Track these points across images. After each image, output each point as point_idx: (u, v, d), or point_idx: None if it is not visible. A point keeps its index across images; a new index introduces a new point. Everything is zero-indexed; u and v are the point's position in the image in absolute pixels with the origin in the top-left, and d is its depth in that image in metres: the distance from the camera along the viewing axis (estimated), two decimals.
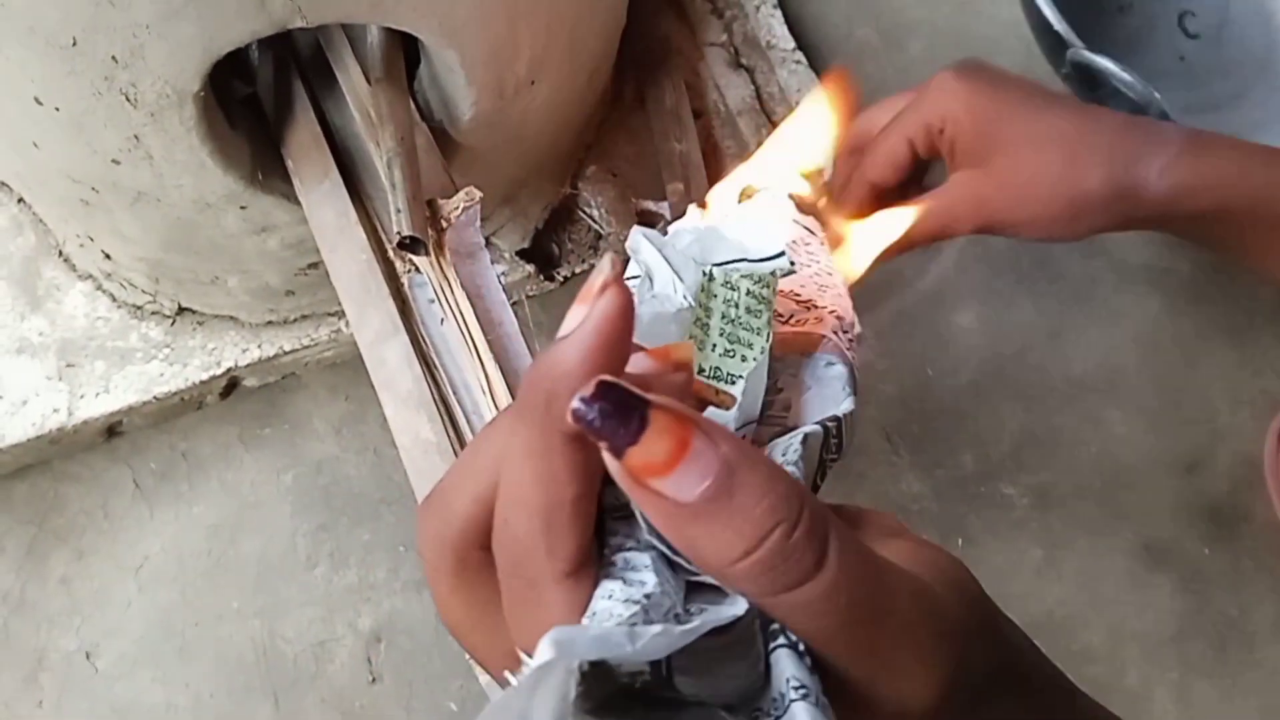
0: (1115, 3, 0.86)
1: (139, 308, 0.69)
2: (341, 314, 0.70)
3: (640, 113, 0.77)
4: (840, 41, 0.85)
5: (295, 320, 0.69)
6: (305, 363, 0.71)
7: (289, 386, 0.72)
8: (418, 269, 0.53)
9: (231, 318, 0.69)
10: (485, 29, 0.54)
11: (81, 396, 0.66)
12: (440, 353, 0.52)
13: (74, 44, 0.49)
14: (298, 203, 0.57)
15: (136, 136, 0.53)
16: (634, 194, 0.75)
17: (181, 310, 0.68)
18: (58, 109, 0.53)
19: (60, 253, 0.69)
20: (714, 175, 0.75)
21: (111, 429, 0.69)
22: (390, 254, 0.54)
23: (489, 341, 0.51)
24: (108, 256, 0.67)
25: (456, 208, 0.52)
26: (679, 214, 0.73)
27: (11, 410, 0.66)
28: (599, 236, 0.76)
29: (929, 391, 0.77)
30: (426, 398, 0.51)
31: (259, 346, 0.69)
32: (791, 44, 0.79)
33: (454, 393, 0.51)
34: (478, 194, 0.53)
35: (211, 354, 0.68)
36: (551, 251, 0.76)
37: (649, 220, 0.75)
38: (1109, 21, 0.85)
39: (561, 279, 0.75)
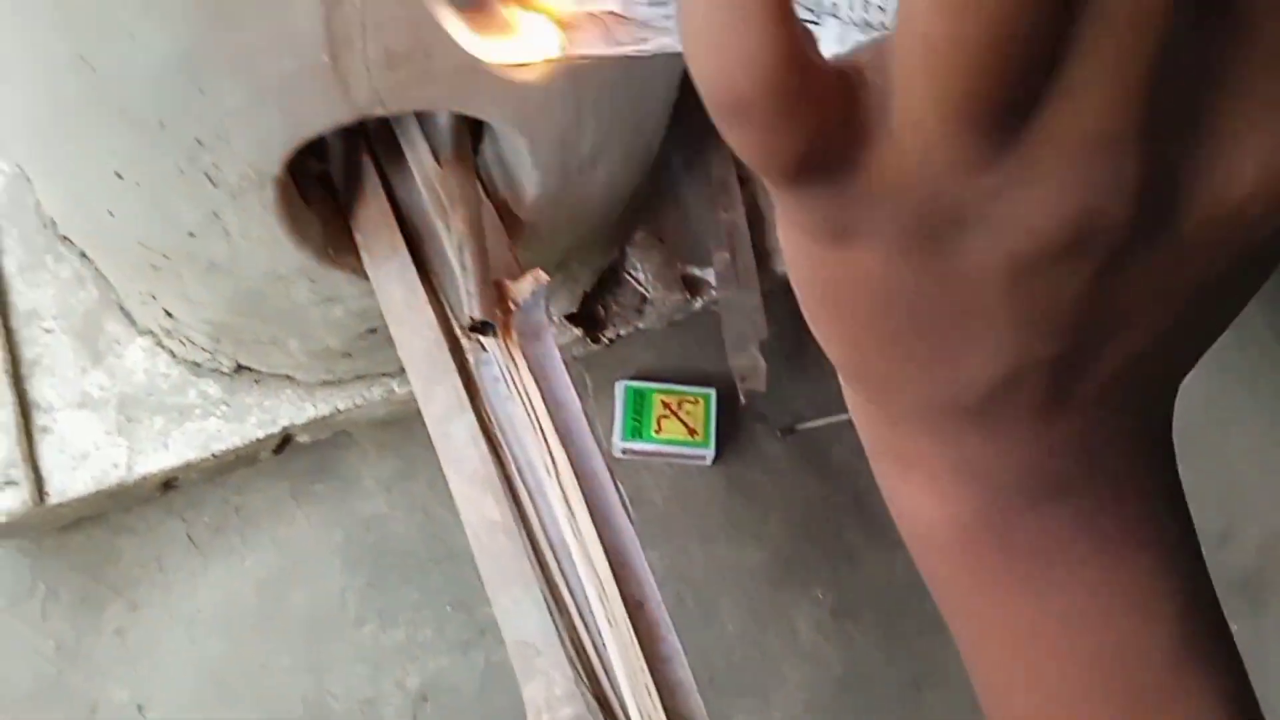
0: None
1: (198, 364, 0.70)
2: (394, 375, 0.71)
3: (687, 180, 0.78)
4: None
5: (350, 380, 0.71)
6: (357, 421, 0.72)
7: (340, 443, 0.73)
8: (484, 346, 0.55)
9: (288, 377, 0.70)
10: (554, 116, 0.56)
11: (140, 452, 0.68)
12: (505, 430, 0.54)
13: (161, 126, 0.51)
14: (366, 276, 0.58)
15: (215, 213, 0.55)
16: (680, 259, 0.77)
17: (239, 368, 0.70)
18: (138, 183, 0.55)
19: (121, 308, 0.71)
20: (759, 244, 0.77)
21: (167, 482, 0.70)
22: (457, 332, 0.56)
23: (555, 423, 0.52)
24: (170, 315, 0.68)
25: (525, 292, 0.54)
26: (725, 281, 0.75)
27: (73, 464, 0.67)
28: (644, 299, 0.77)
29: None
30: (492, 476, 0.52)
31: (314, 405, 0.70)
32: None
33: (519, 472, 0.52)
34: (545, 278, 0.54)
35: (268, 411, 0.70)
36: (597, 313, 0.77)
37: (694, 287, 0.77)
38: None
39: (607, 340, 0.77)
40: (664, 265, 0.77)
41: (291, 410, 0.70)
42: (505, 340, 0.54)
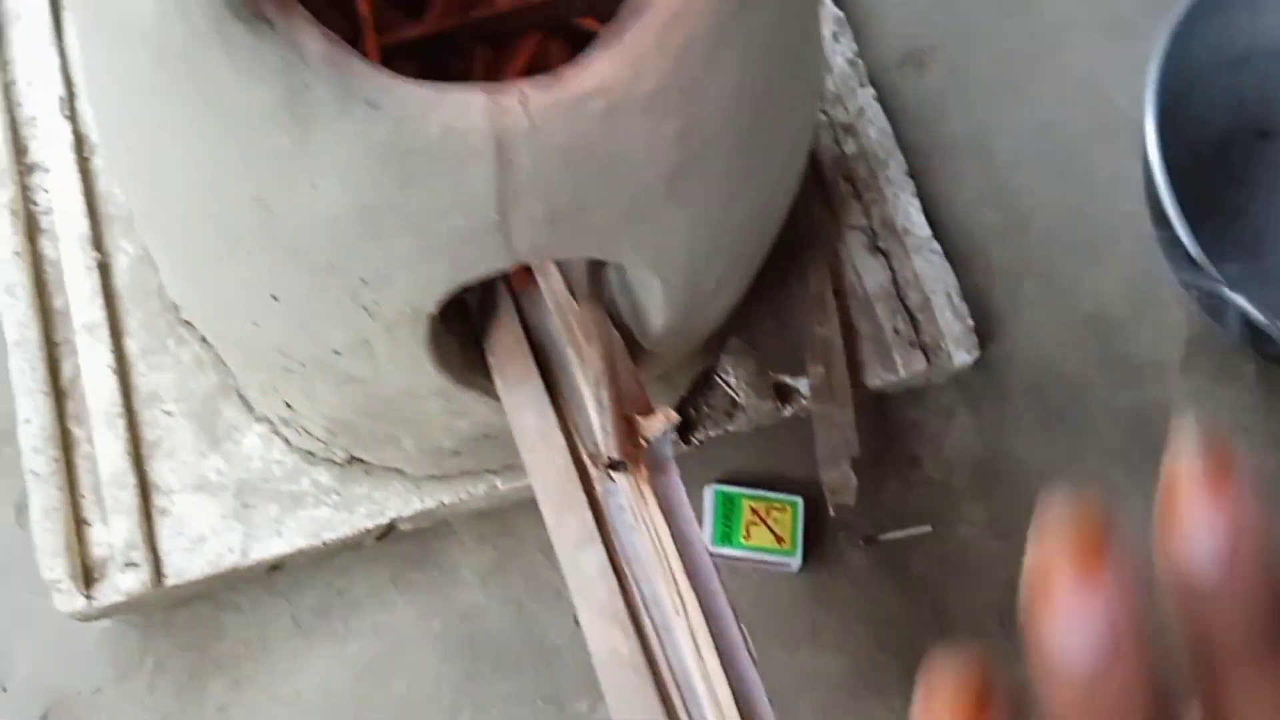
0: (1234, 202, 0.90)
1: (311, 453, 0.73)
2: (498, 472, 0.74)
3: (783, 290, 0.81)
4: (965, 221, 0.89)
5: (456, 475, 0.73)
6: (458, 511, 0.75)
7: (440, 532, 0.76)
8: (613, 478, 0.57)
9: (398, 470, 0.73)
10: (691, 261, 0.59)
11: (255, 538, 0.70)
12: (631, 563, 0.56)
13: (330, 266, 0.53)
14: (496, 397, 0.61)
15: (366, 339, 0.57)
16: (773, 368, 0.79)
17: (352, 459, 0.73)
18: (292, 307, 0.57)
19: (240, 395, 0.74)
20: (852, 358, 0.80)
21: (275, 564, 0.73)
22: (586, 460, 0.58)
23: (684, 562, 0.55)
24: (289, 407, 0.71)
25: (656, 430, 0.56)
26: (819, 395, 0.78)
27: (190, 547, 0.70)
28: (735, 404, 0.80)
29: None
30: (620, 609, 0.54)
31: (420, 499, 0.73)
32: (927, 231, 0.83)
33: (645, 607, 0.55)
34: (675, 416, 0.57)
35: (376, 503, 0.72)
36: (689, 415, 0.80)
37: (785, 395, 0.80)
38: (1228, 222, 0.89)
39: (697, 442, 0.79)
40: (757, 373, 0.79)
41: (399, 502, 0.73)
42: (636, 477, 0.57)
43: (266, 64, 0.46)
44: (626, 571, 0.56)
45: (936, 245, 0.83)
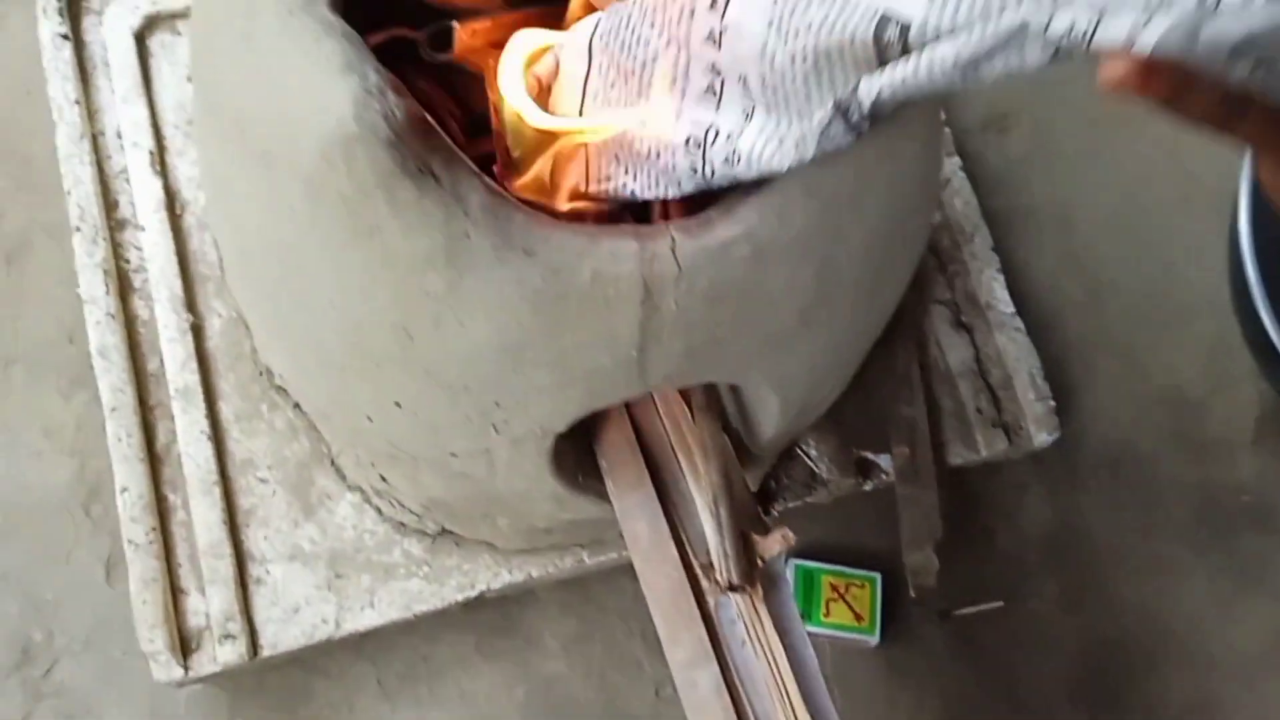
0: None
1: (404, 524, 0.73)
2: (586, 546, 0.75)
3: (869, 367, 0.81)
4: (1044, 292, 0.89)
5: (545, 549, 0.74)
6: (543, 581, 0.76)
7: (525, 600, 0.77)
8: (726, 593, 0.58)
9: (488, 543, 0.73)
10: (811, 377, 0.59)
11: (348, 609, 0.71)
12: (744, 682, 0.57)
13: (465, 389, 0.54)
14: (608, 500, 0.62)
15: (488, 449, 0.58)
16: (855, 444, 0.80)
17: (444, 531, 0.73)
18: (416, 415, 0.58)
19: (334, 463, 0.74)
20: (936, 439, 0.80)
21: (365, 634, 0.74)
22: (698, 572, 0.59)
23: (798, 684, 0.56)
24: (385, 480, 0.72)
25: (773, 550, 0.57)
26: (904, 477, 0.78)
27: (285, 617, 0.71)
28: (815, 476, 0.80)
29: (1106, 652, 0.82)
30: None
31: (510, 572, 0.73)
32: (1011, 308, 0.84)
33: None
34: (792, 537, 0.58)
35: (467, 575, 0.73)
36: (768, 486, 0.80)
37: (866, 470, 0.80)
38: None
39: (776, 513, 0.80)
40: (839, 448, 0.80)
41: (488, 575, 0.73)
42: (751, 596, 0.57)
43: (428, 215, 0.46)
44: (740, 690, 0.57)
45: (1020, 322, 0.83)
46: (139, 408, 0.73)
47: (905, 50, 0.39)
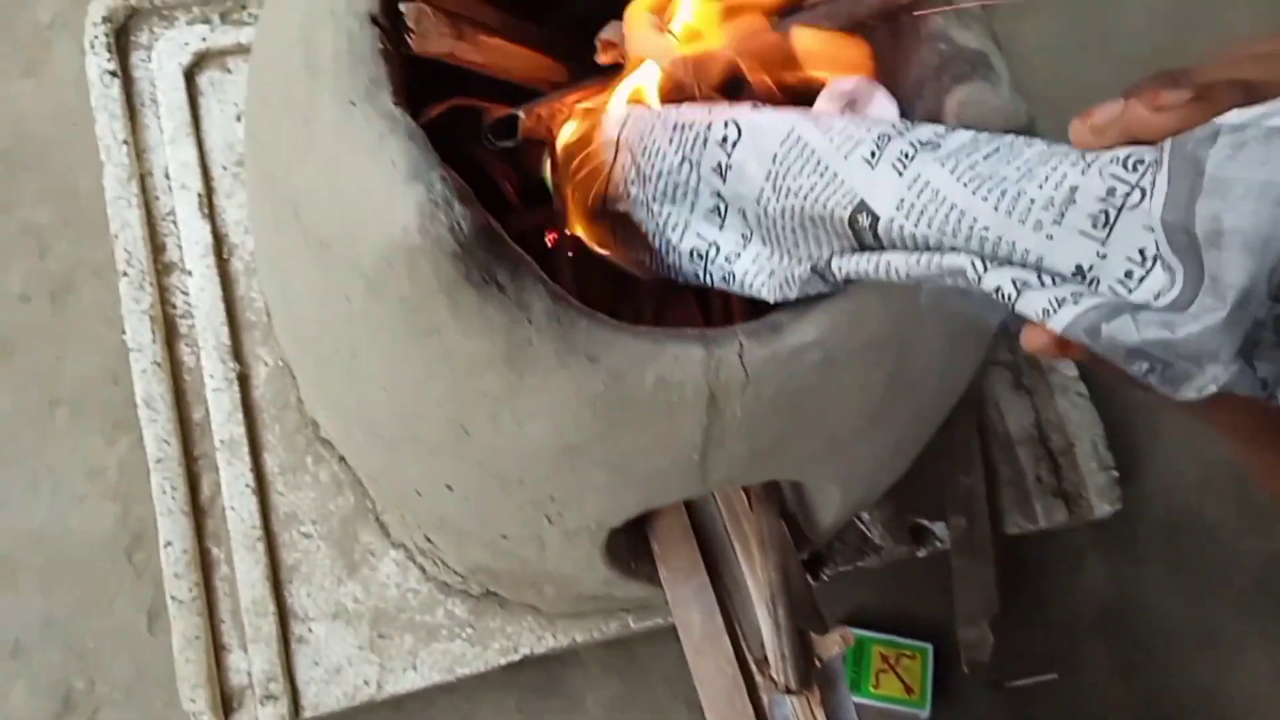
0: None
1: (447, 584, 0.72)
2: (631, 610, 0.73)
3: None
4: None
5: (591, 614, 0.73)
6: (586, 643, 0.75)
7: (567, 660, 0.76)
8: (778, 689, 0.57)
9: (533, 606, 0.72)
10: (874, 471, 0.57)
11: (390, 671, 0.70)
12: None
13: (520, 483, 0.52)
14: (659, 584, 0.60)
15: (540, 537, 0.56)
16: (910, 511, 0.78)
17: (488, 593, 0.72)
18: (468, 499, 0.56)
19: (377, 518, 0.73)
20: (993, 508, 0.78)
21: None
22: (752, 666, 0.57)
23: None
24: (430, 541, 0.70)
25: (832, 650, 0.55)
26: (960, 548, 0.76)
27: (326, 678, 0.70)
28: (867, 540, 0.78)
29: None
30: None
31: (554, 636, 0.72)
32: (1074, 371, 0.81)
33: None
34: (851, 637, 0.56)
35: (510, 638, 0.72)
36: (820, 551, 0.79)
37: (920, 537, 0.78)
38: None
39: (826, 577, 0.78)
40: (894, 514, 0.78)
41: (532, 639, 0.72)
42: (808, 697, 0.56)
43: (490, 321, 0.44)
44: None
45: (1082, 386, 0.81)
46: (184, 458, 0.72)
47: (875, 237, 0.41)
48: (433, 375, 0.48)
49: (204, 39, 0.78)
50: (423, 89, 0.51)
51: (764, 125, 0.46)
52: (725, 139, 0.47)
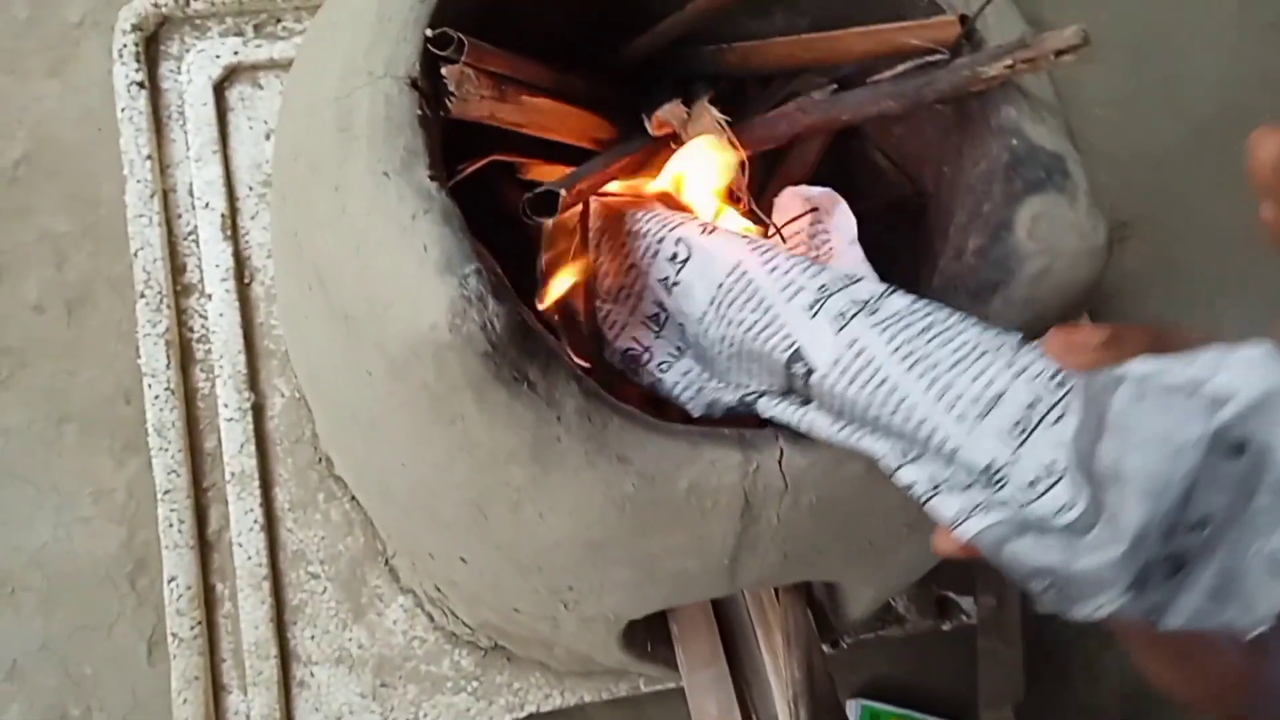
0: None
1: (455, 635, 0.70)
2: (642, 674, 0.71)
3: None
4: None
5: (600, 673, 0.70)
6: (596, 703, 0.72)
7: (574, 715, 0.73)
8: None
9: (541, 663, 0.70)
10: (907, 568, 0.55)
11: None
12: None
13: (539, 570, 0.50)
14: (675, 668, 0.58)
15: (554, 618, 0.54)
16: (938, 582, 0.75)
17: (496, 646, 0.70)
18: (482, 574, 0.54)
19: (387, 561, 0.71)
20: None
21: None
22: None
23: None
24: (440, 591, 0.68)
25: None
26: (987, 629, 0.74)
27: None
28: (889, 609, 0.76)
29: None
30: None
31: (561, 694, 0.70)
32: None
33: None
34: None
35: (517, 694, 0.70)
36: None
37: (946, 609, 0.76)
38: None
39: (845, 645, 0.76)
40: (921, 586, 0.75)
41: (539, 695, 0.70)
42: None
43: (519, 418, 0.42)
44: None
45: None
46: (192, 490, 0.70)
47: (806, 385, 0.42)
48: (453, 460, 0.45)
49: (236, 52, 0.76)
50: (458, 133, 0.48)
51: (713, 252, 0.46)
52: (675, 256, 0.48)
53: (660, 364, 0.50)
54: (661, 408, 0.48)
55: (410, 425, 0.45)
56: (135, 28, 0.75)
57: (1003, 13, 0.47)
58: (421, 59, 0.45)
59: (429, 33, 0.45)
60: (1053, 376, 0.36)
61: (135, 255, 0.72)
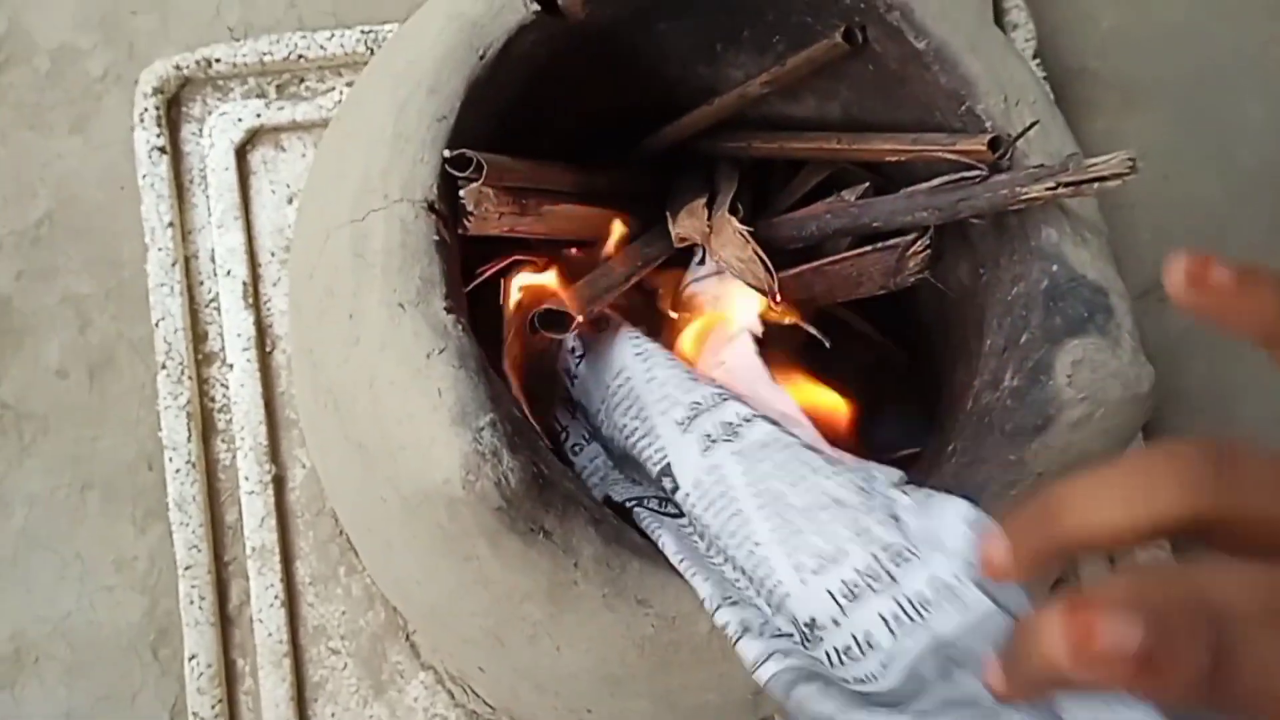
0: None
1: (476, 713, 0.69)
2: None
3: None
4: None
5: None
6: None
7: None
8: None
9: None
10: None
11: None
12: None
13: (555, 694, 0.49)
14: None
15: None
16: None
17: None
18: (499, 681, 0.53)
19: (408, 637, 0.70)
20: None
21: None
22: None
23: None
24: (459, 671, 0.67)
25: None
26: None
27: None
28: None
29: None
30: None
31: None
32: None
33: None
34: None
35: None
36: None
37: None
38: None
39: None
40: None
41: None
42: None
43: (534, 563, 0.40)
44: None
45: (1165, 543, 0.75)
46: (213, 564, 0.69)
47: (675, 500, 0.43)
48: (468, 592, 0.44)
49: (258, 114, 0.75)
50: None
51: (600, 352, 0.48)
52: (574, 350, 0.49)
53: (574, 445, 0.51)
54: None
55: (425, 555, 0.44)
56: (156, 90, 0.74)
57: (1048, 128, 0.45)
58: (439, 180, 0.44)
59: (447, 153, 0.44)
60: (884, 549, 0.37)
61: (156, 325, 0.71)
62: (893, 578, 0.36)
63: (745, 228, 0.47)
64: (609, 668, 0.44)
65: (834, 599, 0.37)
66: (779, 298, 0.46)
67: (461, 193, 0.44)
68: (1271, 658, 0.20)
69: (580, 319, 0.45)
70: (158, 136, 0.74)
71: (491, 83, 0.46)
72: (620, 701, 0.46)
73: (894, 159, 0.48)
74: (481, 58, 0.44)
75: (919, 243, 0.47)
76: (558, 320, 0.45)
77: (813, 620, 0.37)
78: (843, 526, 0.38)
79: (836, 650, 0.36)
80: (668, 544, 0.41)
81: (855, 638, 0.36)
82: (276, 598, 0.69)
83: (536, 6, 0.44)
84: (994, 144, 0.44)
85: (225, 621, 0.69)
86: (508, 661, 0.48)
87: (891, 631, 0.35)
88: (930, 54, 0.48)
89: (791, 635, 0.37)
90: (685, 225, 0.49)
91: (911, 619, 0.35)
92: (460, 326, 0.41)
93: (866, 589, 0.36)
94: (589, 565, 0.41)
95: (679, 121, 0.54)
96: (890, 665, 0.34)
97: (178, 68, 0.74)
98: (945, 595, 0.35)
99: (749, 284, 0.46)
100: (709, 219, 0.49)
